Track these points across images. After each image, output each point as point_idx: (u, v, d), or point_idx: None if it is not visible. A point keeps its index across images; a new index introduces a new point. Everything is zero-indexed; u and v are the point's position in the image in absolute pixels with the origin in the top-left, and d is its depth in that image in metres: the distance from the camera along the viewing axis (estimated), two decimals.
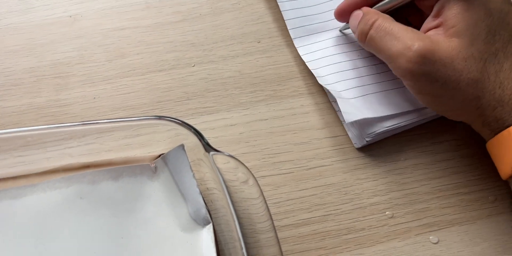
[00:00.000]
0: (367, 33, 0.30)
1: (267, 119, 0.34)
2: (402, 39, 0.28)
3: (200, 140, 0.27)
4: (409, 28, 0.28)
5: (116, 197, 0.28)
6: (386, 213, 0.31)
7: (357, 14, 0.32)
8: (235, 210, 0.26)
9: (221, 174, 0.26)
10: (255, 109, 0.34)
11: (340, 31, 0.36)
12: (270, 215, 0.26)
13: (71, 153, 0.29)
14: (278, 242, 0.25)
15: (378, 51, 0.30)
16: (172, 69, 0.35)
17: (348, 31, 0.35)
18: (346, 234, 0.30)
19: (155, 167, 0.29)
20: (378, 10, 0.31)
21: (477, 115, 0.28)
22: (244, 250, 0.24)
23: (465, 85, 0.27)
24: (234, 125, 0.33)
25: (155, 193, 0.29)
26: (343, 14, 0.33)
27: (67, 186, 0.28)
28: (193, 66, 0.35)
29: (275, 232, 0.26)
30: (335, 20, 0.34)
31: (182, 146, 0.28)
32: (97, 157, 0.29)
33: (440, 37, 0.28)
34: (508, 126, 0.27)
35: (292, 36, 0.35)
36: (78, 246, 0.27)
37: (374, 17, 0.30)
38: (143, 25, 0.37)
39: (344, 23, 0.35)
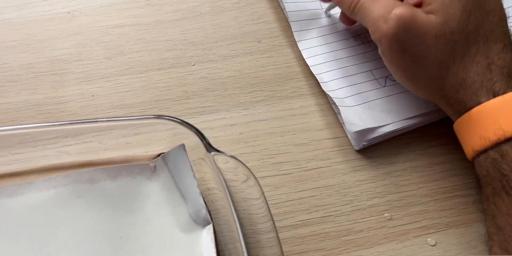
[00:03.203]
0: (357, 3, 0.30)
1: (266, 120, 0.34)
2: (386, 4, 0.28)
3: (201, 140, 0.26)
4: None
5: (114, 196, 0.28)
6: (385, 215, 0.31)
7: None
8: (236, 210, 0.26)
9: (222, 174, 0.26)
10: (254, 109, 0.34)
11: (326, 12, 0.36)
12: (271, 216, 0.26)
13: (69, 151, 0.28)
14: (279, 242, 0.25)
15: (363, 17, 0.30)
16: (172, 67, 0.35)
17: (334, 11, 0.36)
18: (345, 236, 0.30)
19: (154, 167, 0.29)
20: None
21: (440, 95, 0.29)
22: (244, 251, 0.24)
23: (431, 63, 0.28)
24: (233, 125, 0.33)
25: (154, 193, 0.28)
26: None
27: (64, 184, 0.28)
28: (192, 65, 0.35)
29: (276, 232, 0.26)
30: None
31: (183, 145, 0.28)
32: (95, 156, 0.29)
33: (419, 11, 0.28)
34: (470, 109, 0.27)
35: (293, 29, 0.35)
36: (74, 245, 0.26)
37: None
38: (142, 23, 0.36)
39: (329, 3, 0.35)
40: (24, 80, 0.33)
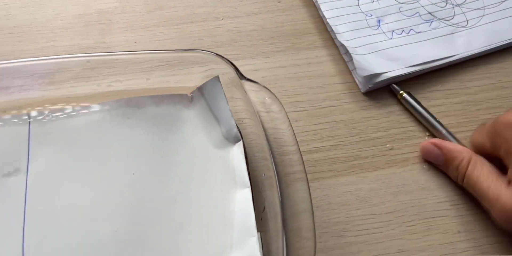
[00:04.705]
0: (463, 174, 0.32)
1: (285, 67, 0.39)
2: (498, 185, 0.29)
3: (234, 70, 0.31)
4: (496, 177, 0.30)
5: (158, 119, 0.33)
6: (387, 145, 0.36)
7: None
8: (266, 134, 0.30)
9: (252, 102, 0.31)
10: (275, 58, 0.39)
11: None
12: (296, 139, 0.30)
13: (120, 80, 0.33)
14: (303, 162, 0.30)
15: (474, 191, 0.31)
16: (203, 21, 0.40)
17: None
18: (352, 161, 0.35)
19: (192, 97, 0.34)
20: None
21: None
22: (274, 168, 0.28)
23: None
24: (257, 70, 0.38)
25: (191, 118, 0.33)
26: None
27: (115, 108, 0.33)
28: (221, 20, 0.40)
29: (300, 154, 0.30)
30: None
31: (217, 77, 0.33)
32: (140, 86, 0.34)
33: None
34: None
35: None
36: (126, 157, 0.31)
37: (467, 156, 0.32)
38: None
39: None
40: (76, 28, 0.39)
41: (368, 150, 0.35)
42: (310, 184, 0.29)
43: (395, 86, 0.37)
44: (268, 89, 0.31)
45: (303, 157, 0.34)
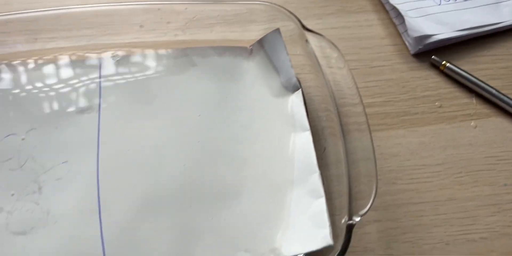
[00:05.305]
0: None
1: (337, 28, 0.40)
2: None
3: (296, 22, 0.33)
4: None
5: (220, 68, 0.34)
6: (436, 103, 0.37)
7: None
8: (328, 86, 0.31)
9: (314, 54, 0.32)
10: (326, 19, 0.40)
11: None
12: (359, 93, 0.31)
13: (184, 31, 0.35)
14: (366, 113, 0.30)
15: None
16: None
17: None
18: (403, 116, 0.36)
19: (251, 50, 0.35)
20: None
21: None
22: (337, 117, 0.30)
23: None
24: None
25: (251, 69, 0.35)
26: None
27: (182, 56, 0.34)
28: None
29: (363, 104, 0.30)
30: None
31: (278, 29, 0.34)
32: (203, 37, 0.35)
33: None
34: None
35: None
36: (192, 100, 0.33)
37: None
38: None
39: None
40: None
41: (418, 107, 0.37)
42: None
43: (435, 58, 0.38)
44: (333, 43, 0.32)
45: (354, 110, 0.36)
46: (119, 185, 0.29)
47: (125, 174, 0.29)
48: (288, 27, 0.34)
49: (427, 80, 0.38)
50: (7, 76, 0.32)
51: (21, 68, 0.33)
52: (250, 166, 0.30)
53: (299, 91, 0.33)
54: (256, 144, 0.31)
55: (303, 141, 0.31)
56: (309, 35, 0.33)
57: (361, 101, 0.31)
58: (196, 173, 0.30)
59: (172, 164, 0.30)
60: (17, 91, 0.32)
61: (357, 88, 0.31)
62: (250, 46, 0.35)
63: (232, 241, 0.27)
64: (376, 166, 0.28)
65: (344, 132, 0.30)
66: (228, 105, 0.33)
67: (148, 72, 0.33)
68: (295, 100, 0.33)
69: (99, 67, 0.33)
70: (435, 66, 0.38)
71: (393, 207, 0.32)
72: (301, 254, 0.27)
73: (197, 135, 0.31)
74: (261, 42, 0.35)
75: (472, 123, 0.36)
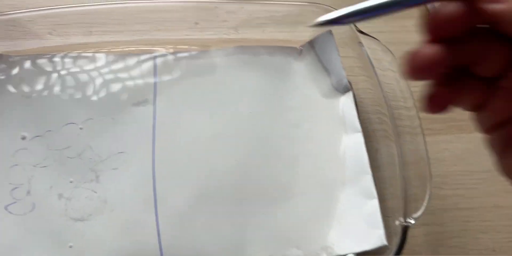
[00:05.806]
0: None
1: (384, 32, 0.40)
2: None
3: (352, 24, 0.33)
4: None
5: (271, 67, 0.35)
6: None
7: None
8: (382, 87, 0.31)
9: (367, 56, 0.32)
10: (373, 23, 0.40)
11: None
12: (412, 95, 0.31)
13: (237, 28, 0.35)
14: (419, 117, 0.30)
15: None
16: None
17: None
18: (450, 122, 0.36)
19: (301, 50, 0.36)
20: None
21: None
22: (390, 120, 0.30)
23: None
24: None
25: (301, 69, 0.35)
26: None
27: (234, 54, 0.35)
28: None
29: (417, 109, 0.30)
30: None
31: (330, 31, 0.35)
32: (255, 36, 0.36)
33: None
34: None
35: None
36: (244, 97, 0.33)
37: None
38: None
39: None
40: None
41: (465, 113, 0.36)
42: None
43: None
44: (386, 46, 0.33)
45: (407, 114, 0.36)
46: (175, 176, 0.29)
47: (180, 165, 0.30)
48: (340, 29, 0.34)
49: None
50: (65, 66, 0.33)
51: (78, 60, 0.34)
52: (301, 165, 0.31)
53: (350, 93, 0.33)
54: (307, 144, 0.32)
55: (355, 142, 0.31)
56: (361, 38, 0.33)
57: (415, 104, 0.31)
58: (248, 168, 0.30)
59: (224, 158, 0.31)
60: (75, 81, 0.33)
61: (410, 91, 0.31)
62: (300, 46, 0.36)
63: (283, 238, 0.28)
64: (430, 169, 0.28)
65: (397, 135, 0.31)
66: (278, 104, 0.33)
67: (201, 68, 0.34)
68: (346, 102, 0.33)
69: (154, 61, 0.34)
70: None
71: (440, 211, 0.32)
72: (353, 253, 0.27)
73: (248, 131, 0.32)
74: (311, 43, 0.35)
75: None
